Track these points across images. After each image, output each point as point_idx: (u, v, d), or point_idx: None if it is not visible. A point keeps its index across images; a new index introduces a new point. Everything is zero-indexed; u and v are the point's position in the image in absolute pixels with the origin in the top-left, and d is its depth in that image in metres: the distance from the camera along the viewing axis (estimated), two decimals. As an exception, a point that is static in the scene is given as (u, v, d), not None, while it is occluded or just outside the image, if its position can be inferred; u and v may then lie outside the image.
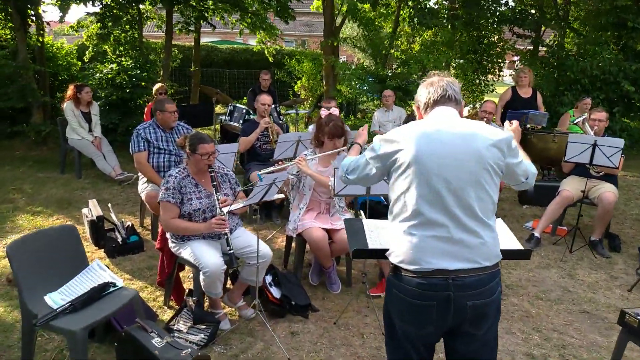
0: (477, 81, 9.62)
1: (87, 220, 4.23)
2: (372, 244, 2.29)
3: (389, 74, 7.96)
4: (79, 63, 9.58)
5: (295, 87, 10.22)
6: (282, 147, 4.49)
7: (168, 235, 3.29)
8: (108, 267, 3.03)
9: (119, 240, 4.34)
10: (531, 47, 10.23)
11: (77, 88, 6.32)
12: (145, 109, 7.07)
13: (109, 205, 4.69)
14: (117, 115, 7.42)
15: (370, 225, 2.45)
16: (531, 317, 3.48)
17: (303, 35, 28.88)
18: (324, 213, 3.72)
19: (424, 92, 1.97)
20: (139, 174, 4.53)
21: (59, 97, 8.02)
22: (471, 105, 9.84)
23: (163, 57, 8.98)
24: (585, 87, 7.99)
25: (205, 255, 3.04)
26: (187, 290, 3.48)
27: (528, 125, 6.08)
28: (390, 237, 1.97)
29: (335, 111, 3.67)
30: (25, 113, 8.05)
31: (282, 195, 3.64)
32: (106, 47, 9.13)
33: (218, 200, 3.17)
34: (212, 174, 3.23)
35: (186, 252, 3.14)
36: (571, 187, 4.75)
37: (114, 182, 6.33)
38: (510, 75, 11.41)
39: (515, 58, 10.53)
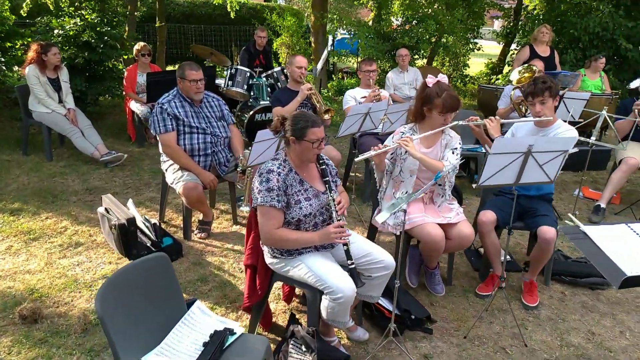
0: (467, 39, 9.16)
1: (112, 224, 3.29)
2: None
3: (397, 31, 7.26)
4: (13, 17, 7.88)
5: (275, 44, 9.20)
6: (349, 121, 3.74)
7: (266, 249, 2.52)
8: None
9: (149, 244, 3.46)
10: (514, 4, 9.91)
11: (42, 48, 5.02)
12: (125, 73, 5.89)
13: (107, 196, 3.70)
14: (83, 81, 6.15)
15: (598, 236, 1.89)
16: (657, 307, 3.16)
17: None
18: (428, 203, 3.09)
19: None
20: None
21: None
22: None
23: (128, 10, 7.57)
24: (584, 45, 7.82)
25: (332, 276, 2.34)
26: (289, 315, 2.77)
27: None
28: None
29: (444, 79, 3.00)
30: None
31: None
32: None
33: (334, 200, 2.44)
34: (324, 166, 2.48)
35: (300, 271, 2.42)
36: (635, 153, 4.48)
37: (98, 164, 5.23)
38: (492, 32, 11.13)
39: (498, 13, 10.19)
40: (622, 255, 1.81)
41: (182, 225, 3.92)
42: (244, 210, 3.86)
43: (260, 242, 2.56)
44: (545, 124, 3.09)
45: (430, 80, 2.92)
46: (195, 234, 3.86)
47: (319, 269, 2.37)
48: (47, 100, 5.13)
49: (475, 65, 10.44)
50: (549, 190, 3.19)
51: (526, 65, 4.88)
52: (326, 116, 4.16)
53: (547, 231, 2.89)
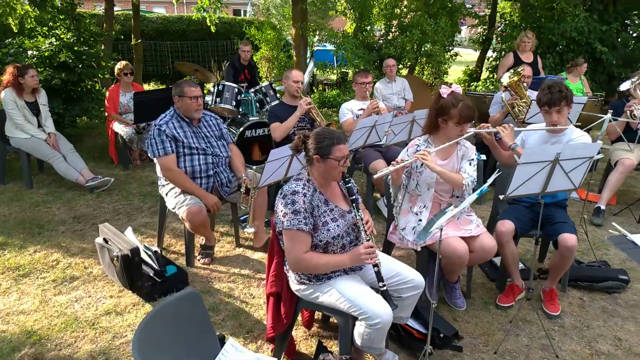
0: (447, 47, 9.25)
1: (114, 255, 3.09)
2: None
3: (381, 41, 7.26)
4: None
5: (255, 57, 9.07)
6: (356, 135, 3.65)
7: (292, 275, 2.39)
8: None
9: (152, 274, 3.27)
10: (489, 11, 10.10)
11: (19, 71, 4.76)
12: (107, 93, 5.66)
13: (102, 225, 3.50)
14: (60, 103, 5.87)
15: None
16: (675, 307, 3.17)
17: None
18: (448, 216, 3.02)
19: None
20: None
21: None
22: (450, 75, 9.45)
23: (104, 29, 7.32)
24: (562, 50, 8.01)
25: (367, 300, 2.22)
26: (312, 341, 2.63)
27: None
28: None
29: (458, 89, 2.95)
30: None
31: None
32: (10, 19, 7.24)
33: (362, 219, 2.34)
34: (349, 184, 2.37)
35: (330, 297, 2.29)
36: (629, 154, 4.55)
37: (82, 190, 4.98)
38: (468, 39, 11.30)
39: (464, 21, 10.34)
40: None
41: (182, 252, 3.74)
42: (249, 232, 3.72)
43: (285, 268, 2.43)
44: (559, 130, 3.07)
45: (445, 90, 2.87)
46: (199, 260, 3.68)
47: (352, 294, 2.25)
48: (26, 126, 4.87)
49: (453, 73, 10.58)
50: (563, 196, 3.17)
51: (514, 70, 4.92)
52: (327, 130, 4.06)
53: (568, 239, 2.86)
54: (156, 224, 4.10)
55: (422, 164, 2.88)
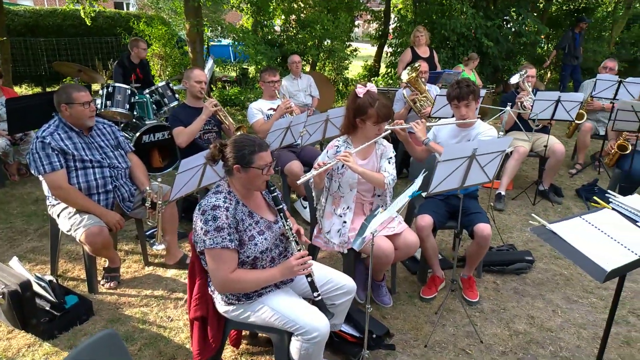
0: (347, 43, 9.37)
1: (0, 292, 2.62)
2: (620, 255, 1.80)
3: (283, 37, 7.09)
4: None
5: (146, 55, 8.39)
6: (271, 137, 3.48)
7: (218, 296, 2.19)
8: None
9: (48, 308, 2.84)
10: (383, 7, 10.42)
11: None
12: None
13: None
14: None
15: (565, 234, 1.95)
16: (572, 281, 3.46)
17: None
18: (370, 216, 2.99)
19: None
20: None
21: None
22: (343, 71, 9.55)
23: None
24: (453, 44, 8.51)
25: (302, 314, 2.10)
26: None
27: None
28: None
29: (373, 88, 2.91)
30: None
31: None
32: None
33: (291, 229, 2.20)
34: (275, 193, 2.22)
35: (263, 315, 2.13)
36: (522, 142, 4.92)
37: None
38: (364, 34, 11.54)
39: (365, 18, 10.62)
40: (592, 249, 1.87)
41: (83, 277, 3.32)
42: (158, 249, 3.39)
43: (210, 289, 2.22)
44: (468, 124, 3.19)
45: (361, 90, 2.82)
46: (103, 285, 3.29)
47: (286, 309, 2.11)
48: None
49: (353, 68, 10.80)
50: (474, 188, 3.31)
51: (412, 66, 5.09)
52: (238, 133, 3.85)
53: (484, 228, 2.98)
54: (46, 248, 3.61)
55: (343, 165, 2.82)
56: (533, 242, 4.02)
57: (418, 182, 2.13)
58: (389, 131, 2.92)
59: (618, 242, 1.91)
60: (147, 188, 3.26)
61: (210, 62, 6.32)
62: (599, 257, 1.82)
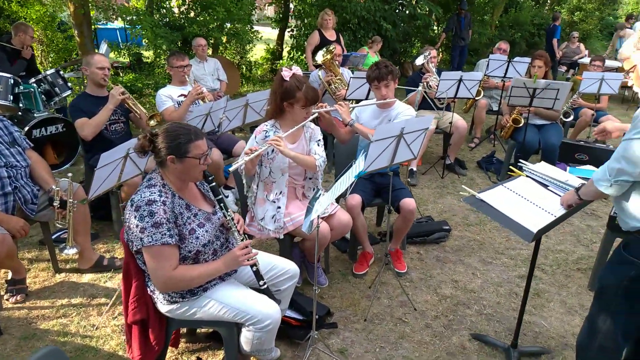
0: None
1: None
2: (540, 217, 1.99)
3: (183, 20, 6.67)
4: None
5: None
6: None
7: (160, 296, 2.05)
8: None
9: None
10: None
11: None
12: None
13: None
14: None
15: (492, 201, 2.11)
16: (485, 244, 3.78)
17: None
18: (302, 200, 2.99)
19: None
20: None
21: None
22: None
23: None
24: (354, 27, 8.69)
25: (252, 303, 2.06)
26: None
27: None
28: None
29: (298, 71, 2.86)
30: None
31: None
32: None
33: (232, 220, 2.13)
34: (214, 183, 2.12)
35: (211, 309, 2.05)
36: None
37: None
38: (265, 17, 11.31)
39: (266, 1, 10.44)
40: (517, 212, 2.05)
41: (-18, 293, 2.93)
42: (69, 253, 3.07)
43: (149, 290, 2.08)
44: (388, 105, 3.30)
45: (287, 73, 2.78)
46: (8, 300, 2.93)
47: (235, 301, 2.05)
48: None
49: (257, 51, 10.60)
50: (396, 165, 3.45)
51: (327, 48, 5.13)
52: (152, 122, 3.61)
53: (409, 203, 3.13)
54: None
55: (273, 150, 2.77)
56: (447, 212, 4.32)
57: (360, 162, 2.16)
58: (316, 114, 2.92)
59: (536, 205, 2.12)
60: (54, 186, 2.94)
61: (104, 47, 5.82)
62: (524, 220, 2.00)
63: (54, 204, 2.91)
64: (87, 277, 3.22)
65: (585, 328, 2.00)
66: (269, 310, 2.04)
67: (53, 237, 3.42)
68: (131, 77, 8.60)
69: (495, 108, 6.19)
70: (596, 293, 1.97)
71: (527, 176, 2.38)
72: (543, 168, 2.41)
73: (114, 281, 3.18)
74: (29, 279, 3.14)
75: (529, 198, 2.14)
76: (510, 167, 2.56)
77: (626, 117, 7.83)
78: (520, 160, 2.58)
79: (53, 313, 2.84)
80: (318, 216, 2.13)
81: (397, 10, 9.35)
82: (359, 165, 2.13)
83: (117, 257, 3.42)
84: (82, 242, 3.17)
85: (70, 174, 2.94)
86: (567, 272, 3.40)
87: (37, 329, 2.70)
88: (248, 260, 2.07)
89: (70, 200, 2.93)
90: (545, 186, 2.29)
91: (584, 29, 16.10)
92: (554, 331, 2.78)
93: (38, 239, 3.62)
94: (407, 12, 9.83)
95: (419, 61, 5.12)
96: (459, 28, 10.00)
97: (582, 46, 10.74)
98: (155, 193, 1.93)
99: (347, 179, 2.14)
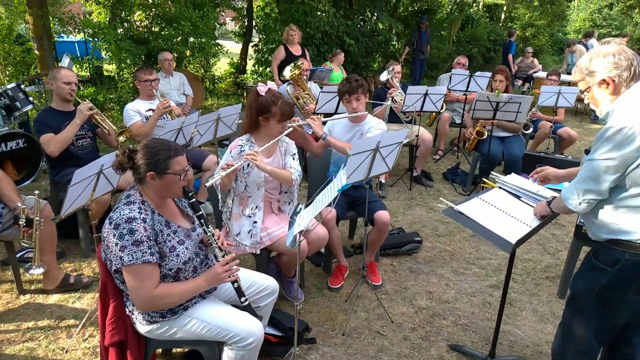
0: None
1: None
2: (517, 228, 2.06)
3: (147, 34, 6.55)
4: None
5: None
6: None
7: (139, 316, 1.99)
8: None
9: None
10: (245, 5, 10.32)
11: None
12: None
13: None
14: None
15: (470, 213, 2.18)
16: (455, 255, 3.87)
17: None
18: (279, 214, 2.99)
19: (626, 63, 1.80)
20: None
21: None
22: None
23: None
24: (318, 42, 8.80)
25: (234, 321, 2.04)
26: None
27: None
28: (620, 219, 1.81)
29: (274, 86, 2.87)
30: None
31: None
32: None
33: (213, 235, 2.11)
34: (194, 199, 2.10)
35: (192, 328, 2.01)
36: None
37: None
38: (229, 32, 11.28)
39: (229, 15, 10.42)
40: (495, 224, 2.13)
41: (-61, 319, 2.76)
42: (35, 273, 2.94)
43: (128, 310, 2.02)
44: (360, 119, 3.36)
45: (262, 88, 2.79)
46: (-32, 325, 2.78)
47: (217, 319, 2.02)
48: None
49: (218, 65, 10.55)
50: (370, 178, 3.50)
51: (295, 64, 5.18)
52: (121, 138, 3.54)
53: (383, 215, 3.18)
54: None
55: (249, 165, 2.77)
56: (416, 223, 4.40)
57: (342, 175, 2.19)
58: (291, 128, 2.93)
59: (512, 216, 2.20)
60: (19, 204, 2.82)
61: (66, 60, 5.64)
62: (502, 231, 2.07)
63: (20, 222, 2.79)
64: (54, 298, 3.09)
65: (559, 334, 2.08)
66: (252, 328, 2.02)
67: (17, 255, 3.27)
68: (92, 90, 8.38)
69: (458, 121, 6.39)
70: (568, 299, 2.06)
71: (500, 187, 2.47)
72: (514, 179, 2.51)
73: (83, 301, 3.06)
74: (-11, 302, 2.99)
75: (504, 209, 2.23)
76: (484, 179, 2.65)
77: (580, 129, 8.27)
78: (492, 172, 2.68)
79: (19, 337, 2.71)
80: (301, 231, 2.13)
81: (358, 26, 9.55)
82: (342, 179, 2.16)
83: (83, 274, 3.30)
84: (48, 261, 3.05)
85: (37, 191, 2.83)
86: (537, 280, 3.52)
87: (2, 354, 2.57)
88: (229, 276, 2.06)
89: (37, 218, 2.82)
90: (518, 197, 2.39)
91: (536, 45, 16.92)
92: (528, 340, 2.87)
93: (0, 258, 3.45)
94: (369, 27, 10.05)
95: (384, 77, 5.23)
96: (419, 42, 10.33)
97: (536, 61, 11.27)
98: (134, 210, 1.89)
99: (330, 192, 2.16)
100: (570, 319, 2.01)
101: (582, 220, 3.06)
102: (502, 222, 2.14)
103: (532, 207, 2.28)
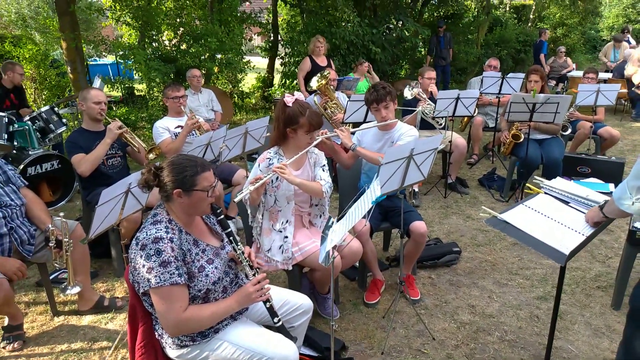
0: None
1: None
2: (569, 237, 1.90)
3: (175, 52, 6.66)
4: None
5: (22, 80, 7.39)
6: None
7: (169, 340, 1.92)
8: None
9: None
10: (271, 20, 10.40)
11: None
12: None
13: None
14: None
15: (516, 222, 2.03)
16: (497, 265, 3.68)
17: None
18: (310, 227, 2.89)
19: None
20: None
21: None
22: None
23: None
24: (344, 52, 8.75)
25: (268, 344, 1.93)
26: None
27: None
28: None
29: (301, 96, 2.80)
30: None
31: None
32: None
33: (243, 253, 2.02)
34: (222, 216, 2.02)
35: (224, 352, 1.92)
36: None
37: None
38: (255, 47, 11.39)
39: (256, 30, 10.53)
40: (544, 233, 1.96)
41: (-24, 343, 2.77)
42: (72, 293, 2.92)
43: (157, 334, 1.95)
44: (390, 126, 3.24)
45: (289, 99, 2.71)
46: (4, 348, 2.77)
47: (250, 342, 1.92)
48: None
49: (246, 80, 10.64)
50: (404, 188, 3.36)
51: (321, 74, 5.11)
52: (151, 156, 3.53)
53: (420, 226, 3.03)
54: None
55: (277, 178, 2.69)
56: (454, 233, 4.22)
57: (376, 186, 2.08)
58: (320, 139, 2.84)
59: (562, 224, 2.03)
60: (49, 225, 2.82)
61: (98, 82, 5.76)
62: (553, 241, 1.91)
63: (50, 243, 2.78)
64: (86, 320, 3.07)
65: (621, 353, 1.89)
66: (286, 351, 1.91)
67: (51, 277, 3.28)
68: (124, 110, 8.55)
69: (491, 125, 6.17)
70: (629, 315, 1.87)
71: (545, 193, 2.30)
72: (560, 183, 2.34)
73: (116, 322, 3.03)
74: (26, 323, 2.99)
75: (553, 216, 2.06)
76: (527, 184, 2.48)
77: (622, 128, 7.86)
78: (536, 176, 2.51)
79: (52, 360, 2.69)
80: (334, 247, 2.03)
81: (384, 34, 9.44)
82: (376, 190, 2.04)
83: (118, 297, 3.28)
84: (81, 281, 3.03)
85: (62, 213, 2.82)
86: (587, 290, 3.29)
87: (35, 379, 2.55)
88: (261, 296, 1.96)
89: (66, 239, 2.81)
90: (566, 203, 2.21)
91: (568, 44, 16.40)
92: (583, 356, 2.66)
93: (35, 280, 3.47)
94: (395, 34, 9.93)
95: (407, 94, 5.05)
96: (438, 48, 10.08)
97: (569, 60, 10.88)
98: (161, 230, 1.83)
99: (364, 204, 2.04)
100: (632, 336, 1.83)
101: (636, 225, 2.84)
102: (552, 231, 1.97)
103: (583, 213, 2.11)
